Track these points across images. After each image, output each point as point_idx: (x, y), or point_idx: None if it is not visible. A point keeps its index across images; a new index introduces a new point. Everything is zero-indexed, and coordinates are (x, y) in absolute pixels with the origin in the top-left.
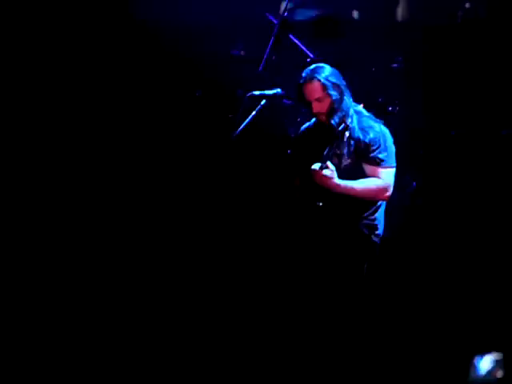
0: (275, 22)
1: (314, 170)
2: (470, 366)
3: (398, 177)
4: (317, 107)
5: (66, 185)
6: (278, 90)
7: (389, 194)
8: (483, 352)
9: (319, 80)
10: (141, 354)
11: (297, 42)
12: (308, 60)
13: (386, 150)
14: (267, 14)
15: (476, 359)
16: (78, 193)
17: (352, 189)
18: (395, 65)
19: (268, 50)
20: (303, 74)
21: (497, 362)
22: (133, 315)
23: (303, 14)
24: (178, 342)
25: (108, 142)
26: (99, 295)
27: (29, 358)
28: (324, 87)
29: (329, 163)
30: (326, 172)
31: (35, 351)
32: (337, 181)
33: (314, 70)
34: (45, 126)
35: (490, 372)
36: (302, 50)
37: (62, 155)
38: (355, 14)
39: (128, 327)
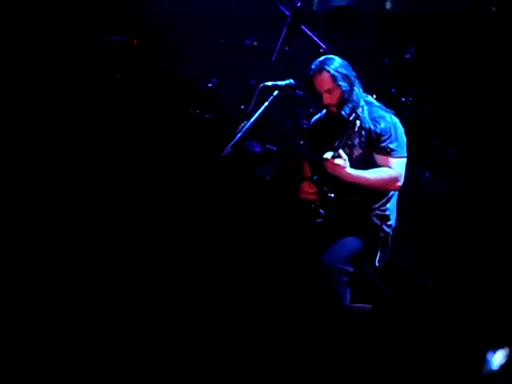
0: (288, 12)
1: (326, 159)
2: (483, 360)
3: (411, 168)
4: (327, 98)
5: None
6: (291, 80)
7: (400, 183)
8: (496, 347)
9: (328, 71)
10: (140, 353)
11: (309, 32)
12: (320, 51)
13: (396, 139)
14: (280, 5)
15: (489, 354)
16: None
17: (364, 178)
18: (408, 55)
19: (281, 41)
20: (312, 66)
21: (509, 357)
22: (129, 316)
23: (316, 5)
24: (175, 342)
25: (106, 139)
26: (96, 296)
27: (29, 358)
28: (333, 78)
29: (341, 152)
30: (338, 161)
31: (35, 351)
32: (349, 170)
33: (323, 62)
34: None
35: (502, 366)
36: (314, 40)
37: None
38: (370, 4)
39: (127, 327)
